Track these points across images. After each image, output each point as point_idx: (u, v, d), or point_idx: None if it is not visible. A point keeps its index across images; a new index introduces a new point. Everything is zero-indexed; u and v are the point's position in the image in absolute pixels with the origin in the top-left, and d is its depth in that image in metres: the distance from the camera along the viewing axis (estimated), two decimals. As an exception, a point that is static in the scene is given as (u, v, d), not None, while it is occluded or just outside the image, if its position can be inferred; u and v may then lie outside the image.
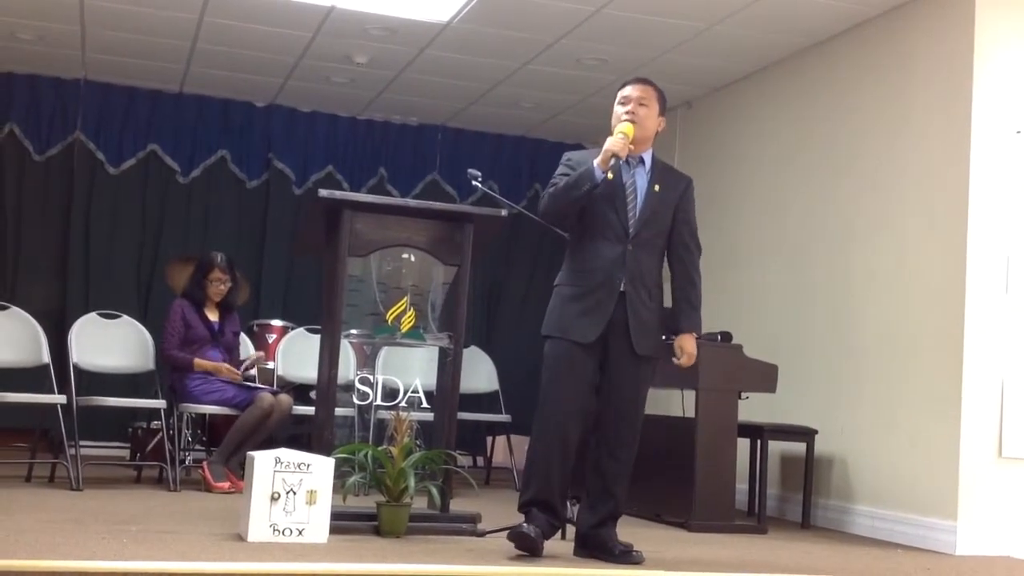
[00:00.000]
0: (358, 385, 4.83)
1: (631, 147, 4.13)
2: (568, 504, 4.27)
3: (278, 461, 4.10)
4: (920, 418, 5.39)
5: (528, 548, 3.98)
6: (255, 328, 7.29)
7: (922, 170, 5.60)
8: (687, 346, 4.24)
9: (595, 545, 4.15)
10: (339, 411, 5.17)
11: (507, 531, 4.04)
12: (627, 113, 4.20)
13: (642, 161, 4.26)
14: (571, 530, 4.32)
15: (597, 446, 4.21)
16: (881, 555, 4.94)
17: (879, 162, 5.91)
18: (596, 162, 4.11)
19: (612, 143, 4.09)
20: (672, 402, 6.08)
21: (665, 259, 4.30)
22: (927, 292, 5.46)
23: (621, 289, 4.12)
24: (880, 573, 4.38)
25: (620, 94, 4.29)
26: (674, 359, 4.26)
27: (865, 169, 6.01)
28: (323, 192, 4.66)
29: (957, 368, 5.20)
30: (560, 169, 4.25)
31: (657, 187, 4.23)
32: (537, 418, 4.18)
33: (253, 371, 6.41)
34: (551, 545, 4.15)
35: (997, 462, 5.18)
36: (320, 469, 4.15)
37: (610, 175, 4.12)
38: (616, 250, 4.14)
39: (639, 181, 4.22)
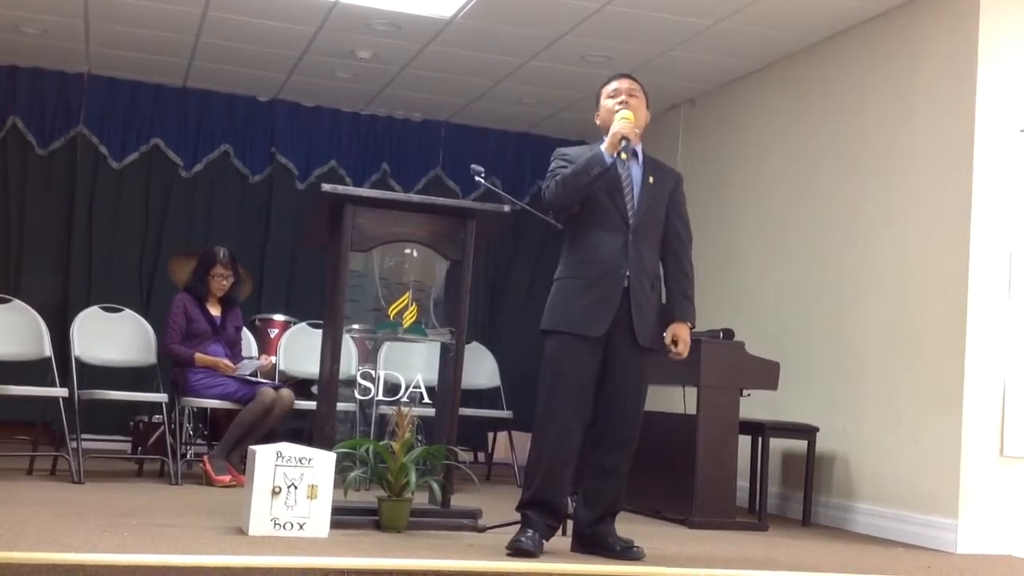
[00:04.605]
0: (360, 380, 4.83)
1: (637, 132, 4.15)
2: (568, 499, 4.26)
3: (279, 455, 4.10)
4: (922, 416, 5.39)
5: (527, 557, 3.94)
6: (257, 323, 7.30)
7: (926, 168, 5.59)
8: (682, 334, 4.22)
9: (595, 541, 4.14)
10: (340, 406, 5.16)
11: (508, 545, 3.96)
12: (620, 104, 4.23)
13: (635, 154, 4.26)
14: (570, 526, 4.32)
15: (597, 443, 4.19)
16: (882, 553, 4.94)
17: (882, 160, 5.90)
18: (603, 147, 4.13)
19: (620, 126, 4.12)
20: (673, 399, 6.08)
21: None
22: (930, 290, 5.45)
23: (626, 281, 4.12)
24: (881, 571, 4.38)
25: (608, 88, 4.33)
26: (670, 353, 4.22)
27: (868, 167, 6.00)
28: (326, 187, 4.65)
29: (959, 367, 5.19)
30: (556, 163, 4.24)
31: (651, 179, 4.25)
32: (541, 416, 4.15)
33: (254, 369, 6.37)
34: (551, 541, 4.14)
35: (998, 461, 5.18)
36: (321, 464, 4.15)
37: (623, 156, 4.11)
38: (618, 241, 4.14)
39: (634, 173, 4.23)
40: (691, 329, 4.27)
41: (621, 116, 4.16)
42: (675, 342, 4.21)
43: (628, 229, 4.16)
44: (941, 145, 5.50)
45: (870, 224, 5.93)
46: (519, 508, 4.15)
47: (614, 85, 4.32)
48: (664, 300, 4.30)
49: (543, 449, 4.11)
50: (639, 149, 4.30)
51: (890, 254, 5.76)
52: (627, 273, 4.12)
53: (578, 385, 4.10)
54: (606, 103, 4.30)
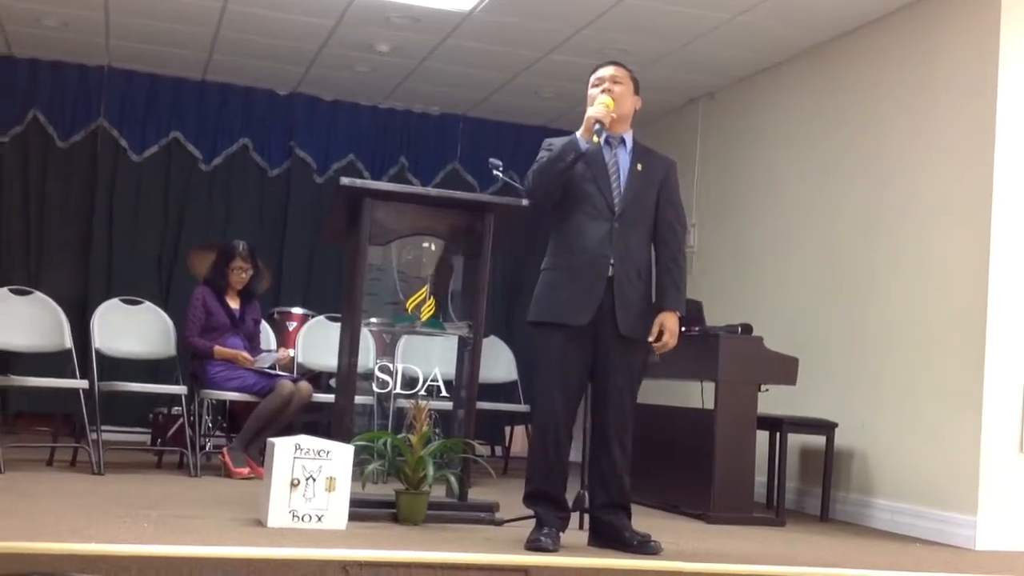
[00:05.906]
0: (378, 373, 4.84)
1: (613, 116, 4.10)
2: (584, 493, 4.27)
3: (298, 448, 4.12)
4: (941, 412, 5.37)
5: (547, 554, 3.95)
6: (276, 316, 7.32)
7: (946, 163, 5.56)
8: (670, 323, 4.11)
9: (611, 536, 4.14)
10: (359, 399, 5.19)
11: (526, 544, 3.98)
12: (602, 92, 4.18)
13: (623, 141, 4.23)
14: (587, 520, 4.32)
15: (594, 440, 4.18)
16: (900, 549, 4.93)
17: (902, 155, 5.87)
18: (579, 132, 4.09)
19: (594, 110, 4.08)
20: (691, 394, 6.07)
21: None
22: (949, 286, 5.43)
23: (610, 270, 4.07)
24: (899, 567, 4.36)
25: (593, 77, 4.28)
26: (652, 340, 4.09)
27: (888, 162, 5.97)
28: (344, 180, 4.66)
29: (978, 362, 5.17)
30: (540, 154, 4.20)
31: (639, 166, 4.20)
32: (535, 411, 4.17)
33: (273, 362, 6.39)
34: (568, 536, 4.15)
35: (1018, 457, 5.16)
36: (339, 456, 4.17)
37: (596, 139, 4.04)
38: (603, 228, 4.10)
39: (621, 160, 4.20)
40: (680, 319, 4.17)
41: (598, 101, 4.13)
42: (661, 332, 4.11)
43: (613, 216, 4.11)
44: (962, 139, 5.46)
45: (890, 219, 5.90)
46: (525, 502, 4.18)
47: (599, 73, 4.27)
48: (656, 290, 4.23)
49: (537, 440, 4.15)
50: (628, 136, 4.25)
51: (910, 249, 5.73)
52: (611, 261, 4.08)
53: (564, 375, 4.07)
54: (591, 92, 4.24)
